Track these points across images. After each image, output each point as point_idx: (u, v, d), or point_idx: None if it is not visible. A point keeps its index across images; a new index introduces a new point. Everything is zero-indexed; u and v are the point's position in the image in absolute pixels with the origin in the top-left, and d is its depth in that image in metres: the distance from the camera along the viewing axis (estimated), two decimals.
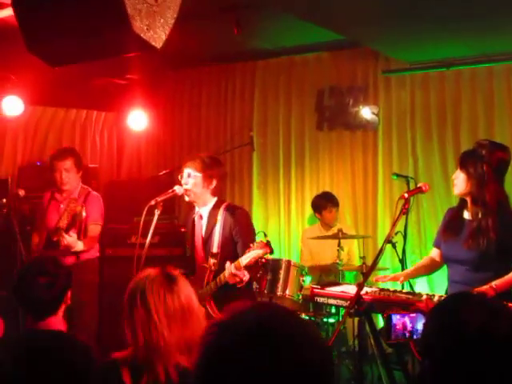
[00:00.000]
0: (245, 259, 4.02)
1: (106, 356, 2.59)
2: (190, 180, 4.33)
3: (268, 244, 4.02)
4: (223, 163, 4.74)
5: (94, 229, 5.47)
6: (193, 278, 4.37)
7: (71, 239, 5.04)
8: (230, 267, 4.09)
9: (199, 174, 4.31)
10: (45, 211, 5.51)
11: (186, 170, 4.35)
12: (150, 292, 2.44)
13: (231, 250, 4.32)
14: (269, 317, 1.40)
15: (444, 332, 1.75)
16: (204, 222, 4.43)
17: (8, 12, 4.63)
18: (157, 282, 2.49)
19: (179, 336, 2.43)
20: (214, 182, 4.38)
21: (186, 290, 2.55)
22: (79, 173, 5.50)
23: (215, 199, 4.44)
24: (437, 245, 4.09)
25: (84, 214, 5.22)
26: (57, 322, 2.84)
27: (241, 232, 4.32)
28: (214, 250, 4.31)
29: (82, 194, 5.51)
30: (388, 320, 2.96)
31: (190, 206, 4.49)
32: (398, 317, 2.97)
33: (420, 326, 2.99)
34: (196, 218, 4.48)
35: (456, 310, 1.79)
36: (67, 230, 5.08)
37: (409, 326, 2.98)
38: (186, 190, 4.34)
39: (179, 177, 4.41)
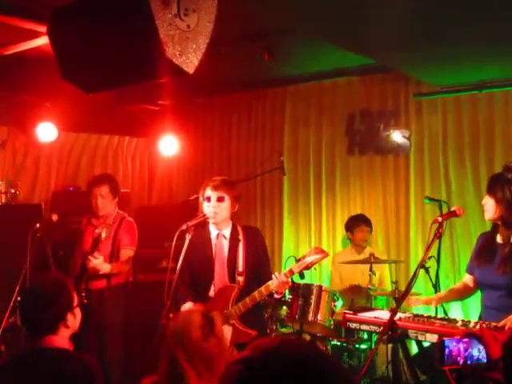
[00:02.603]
0: (300, 265, 4.16)
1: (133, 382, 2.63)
2: (222, 204, 4.35)
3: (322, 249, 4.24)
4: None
5: (126, 253, 5.54)
6: (213, 300, 4.37)
7: (96, 261, 5.13)
8: (280, 276, 4.15)
9: (229, 198, 4.36)
10: (82, 236, 5.62)
11: (217, 194, 4.36)
12: (189, 338, 2.50)
13: (255, 268, 4.40)
14: (304, 355, 1.37)
15: None
16: (226, 242, 4.46)
17: (43, 40, 4.74)
18: (197, 326, 2.54)
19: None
20: (237, 206, 4.48)
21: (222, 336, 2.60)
22: (115, 199, 5.62)
23: (230, 221, 4.52)
24: (470, 270, 4.03)
25: (104, 235, 5.22)
26: (58, 340, 2.86)
27: (264, 250, 4.52)
28: (240, 268, 4.35)
29: (117, 219, 5.62)
30: (441, 345, 2.89)
31: (199, 229, 4.43)
32: (453, 343, 2.90)
33: (475, 351, 2.91)
34: (216, 240, 4.47)
35: None
36: (91, 253, 5.17)
37: (463, 351, 2.90)
38: (215, 213, 4.35)
39: (201, 198, 4.42)
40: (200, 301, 4.30)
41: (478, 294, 4.00)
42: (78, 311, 3.00)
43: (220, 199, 4.35)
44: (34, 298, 2.93)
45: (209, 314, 2.61)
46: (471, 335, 2.94)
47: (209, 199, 4.36)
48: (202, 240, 4.45)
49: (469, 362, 2.91)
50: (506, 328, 3.26)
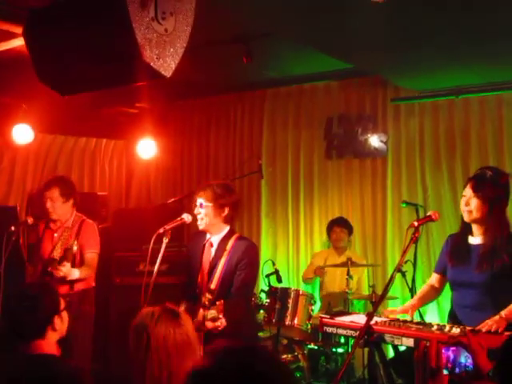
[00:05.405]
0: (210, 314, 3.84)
1: None
2: (202, 210, 4.32)
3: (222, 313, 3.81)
4: (235, 190, 4.67)
5: (91, 257, 5.33)
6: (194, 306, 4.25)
7: (65, 269, 4.93)
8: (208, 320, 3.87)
9: (210, 204, 4.29)
10: (40, 241, 5.40)
11: (198, 200, 4.33)
12: (157, 329, 2.52)
13: (229, 287, 4.21)
14: (252, 364, 1.46)
15: None
16: (213, 249, 4.37)
17: (19, 42, 4.69)
18: (163, 318, 2.55)
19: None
20: (226, 210, 4.34)
21: (190, 324, 2.62)
22: (68, 201, 5.35)
23: (228, 228, 4.40)
24: (439, 270, 4.06)
25: (75, 248, 5.04)
26: (46, 345, 2.85)
27: (246, 265, 4.23)
28: (213, 285, 4.20)
29: (76, 222, 5.39)
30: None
31: (199, 232, 4.43)
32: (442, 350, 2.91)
33: (463, 359, 2.92)
34: (206, 245, 4.42)
35: None
36: (60, 262, 4.95)
37: (452, 359, 2.91)
38: (199, 219, 4.32)
39: (193, 206, 4.42)
40: (192, 304, 4.19)
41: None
42: (65, 315, 3.00)
43: (200, 205, 4.31)
44: (20, 300, 2.93)
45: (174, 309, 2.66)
46: (458, 343, 2.94)
47: (195, 205, 4.37)
48: (198, 245, 4.43)
49: (457, 370, 2.92)
50: (484, 330, 3.28)
